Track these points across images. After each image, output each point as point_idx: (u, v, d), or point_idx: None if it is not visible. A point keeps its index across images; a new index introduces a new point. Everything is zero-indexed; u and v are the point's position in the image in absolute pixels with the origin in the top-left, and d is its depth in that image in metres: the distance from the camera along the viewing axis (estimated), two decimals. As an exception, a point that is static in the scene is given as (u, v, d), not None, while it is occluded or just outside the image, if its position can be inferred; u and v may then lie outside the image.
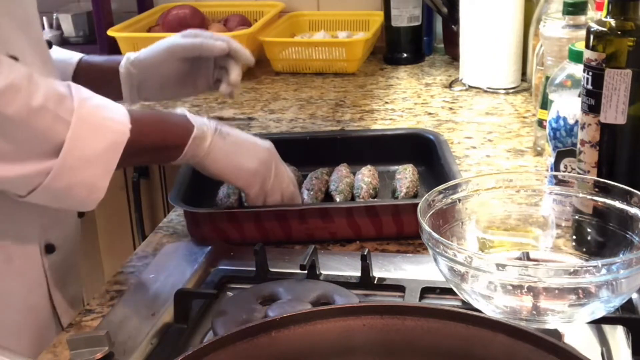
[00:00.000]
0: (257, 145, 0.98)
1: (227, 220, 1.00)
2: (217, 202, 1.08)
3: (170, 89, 1.11)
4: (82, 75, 1.09)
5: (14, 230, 0.91)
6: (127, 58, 1.09)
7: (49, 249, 0.96)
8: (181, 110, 0.95)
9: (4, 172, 0.79)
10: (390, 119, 1.45)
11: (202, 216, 1.01)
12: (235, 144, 0.95)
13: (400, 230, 0.99)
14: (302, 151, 1.19)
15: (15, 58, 0.86)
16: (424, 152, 1.15)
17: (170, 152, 0.92)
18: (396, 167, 1.14)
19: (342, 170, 1.12)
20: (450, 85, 1.62)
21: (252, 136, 1.00)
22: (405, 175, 1.09)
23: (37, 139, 0.80)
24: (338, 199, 1.06)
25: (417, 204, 0.97)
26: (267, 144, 0.99)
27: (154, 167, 1.62)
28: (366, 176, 1.09)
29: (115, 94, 1.09)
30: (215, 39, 1.06)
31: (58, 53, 1.10)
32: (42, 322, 0.94)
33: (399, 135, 1.23)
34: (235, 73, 1.06)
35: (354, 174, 1.12)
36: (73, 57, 1.12)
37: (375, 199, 1.07)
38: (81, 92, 0.85)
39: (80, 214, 1.05)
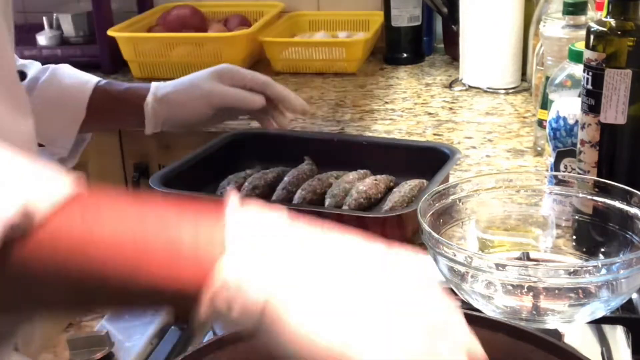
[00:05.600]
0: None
1: None
2: (219, 189, 1.09)
3: (196, 126, 1.09)
4: (99, 104, 1.04)
5: None
6: (154, 95, 1.04)
7: None
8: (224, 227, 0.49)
9: None
10: (390, 119, 1.45)
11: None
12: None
13: None
14: (326, 152, 1.18)
15: None
16: (440, 167, 1.09)
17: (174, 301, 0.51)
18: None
19: (351, 175, 1.10)
20: (450, 85, 1.62)
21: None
22: (401, 189, 1.05)
23: None
24: (327, 203, 1.05)
25: (366, 217, 0.96)
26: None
27: (155, 166, 1.62)
28: (365, 184, 1.06)
29: (134, 124, 1.06)
30: (253, 94, 1.03)
31: (71, 75, 1.05)
32: None
33: (419, 148, 1.19)
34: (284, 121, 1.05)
35: None
36: (88, 81, 1.05)
37: (319, 206, 1.04)
38: None
39: None
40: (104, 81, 1.07)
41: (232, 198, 0.50)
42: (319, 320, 0.47)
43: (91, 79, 1.06)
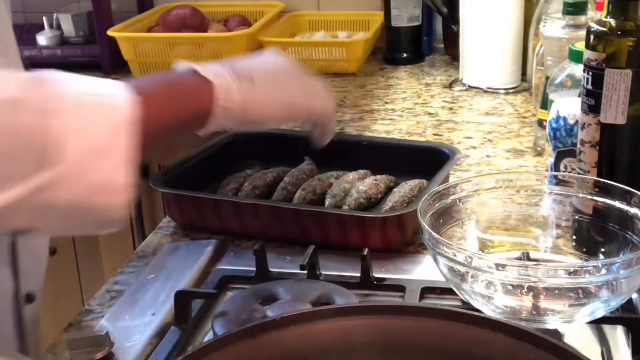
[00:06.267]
0: (279, 65, 0.86)
1: (190, 204, 1.03)
2: (219, 189, 1.09)
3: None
4: None
5: None
6: None
7: (29, 298, 0.86)
8: (186, 65, 0.76)
9: None
10: (390, 119, 1.45)
11: (170, 197, 1.04)
12: (265, 77, 0.82)
13: (345, 241, 0.96)
14: (326, 152, 1.16)
15: None
16: (440, 167, 1.08)
17: (197, 122, 0.76)
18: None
19: (351, 176, 1.09)
20: (450, 85, 1.62)
21: (267, 56, 0.87)
22: (401, 189, 1.05)
23: (18, 145, 0.57)
24: (327, 203, 1.05)
25: (366, 217, 0.96)
26: (279, 57, 0.87)
27: (155, 166, 1.62)
28: (365, 185, 1.06)
29: None
30: None
31: None
32: None
33: (419, 148, 1.18)
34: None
35: None
36: None
37: (319, 206, 1.04)
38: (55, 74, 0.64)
39: (52, 252, 0.94)
40: None
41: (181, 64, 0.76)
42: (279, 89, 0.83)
43: None
